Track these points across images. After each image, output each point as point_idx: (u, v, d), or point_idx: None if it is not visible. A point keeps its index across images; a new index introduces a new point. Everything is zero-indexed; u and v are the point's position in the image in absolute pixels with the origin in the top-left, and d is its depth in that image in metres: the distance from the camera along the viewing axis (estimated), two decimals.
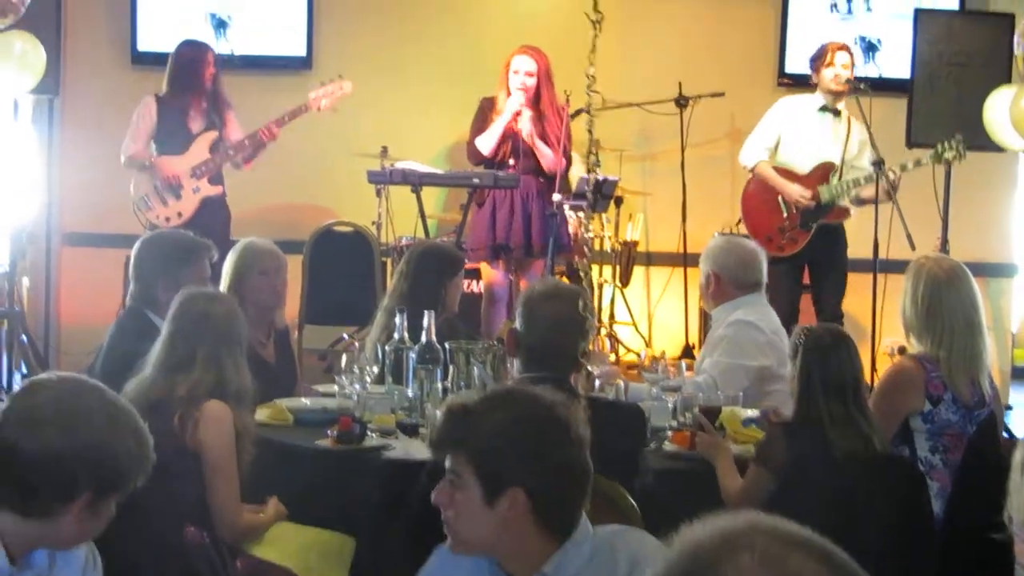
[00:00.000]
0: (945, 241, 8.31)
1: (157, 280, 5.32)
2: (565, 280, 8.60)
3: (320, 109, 8.71)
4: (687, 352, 9.93)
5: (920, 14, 8.56)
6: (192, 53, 8.68)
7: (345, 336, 9.78)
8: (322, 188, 10.39)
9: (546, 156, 8.50)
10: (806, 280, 8.59)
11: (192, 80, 8.57)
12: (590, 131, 6.77)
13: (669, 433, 4.99)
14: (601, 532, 3.02)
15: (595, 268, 9.68)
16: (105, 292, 9.84)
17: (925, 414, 4.80)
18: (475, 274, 8.96)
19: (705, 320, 9.61)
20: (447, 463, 2.98)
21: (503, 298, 8.75)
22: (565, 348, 4.36)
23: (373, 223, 9.47)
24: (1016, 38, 8.06)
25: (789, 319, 8.18)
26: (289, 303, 6.54)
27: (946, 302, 4.90)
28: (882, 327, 8.14)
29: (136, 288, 5.40)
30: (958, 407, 4.81)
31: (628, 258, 9.91)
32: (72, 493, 2.74)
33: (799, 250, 8.35)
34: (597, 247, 9.49)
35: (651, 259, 10.46)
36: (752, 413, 5.22)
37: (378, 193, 9.52)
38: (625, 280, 9.86)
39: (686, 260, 10.00)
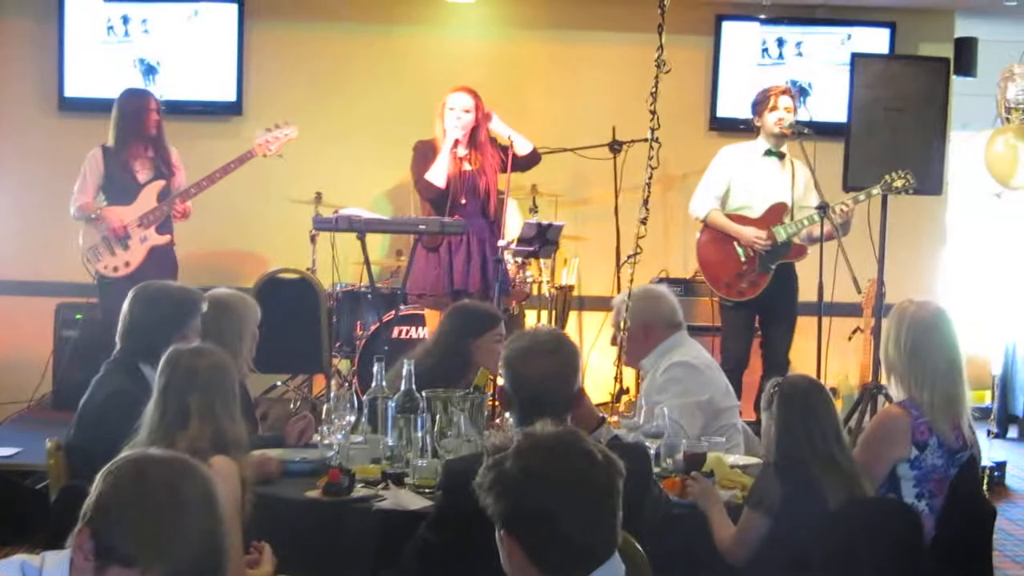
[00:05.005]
0: (881, 283, 8.36)
1: (167, 334, 5.11)
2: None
3: (266, 155, 8.68)
4: (620, 397, 9.92)
5: (856, 58, 8.62)
6: (136, 102, 8.55)
7: (278, 383, 9.71)
8: (255, 234, 10.32)
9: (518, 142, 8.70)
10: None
11: (137, 129, 8.44)
12: None
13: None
14: None
15: (531, 312, 9.70)
16: (33, 340, 9.73)
17: (912, 460, 4.82)
18: (420, 320, 8.86)
19: None
20: None
21: None
22: (557, 395, 4.26)
23: (308, 270, 9.41)
24: (999, 81, 8.19)
25: (741, 363, 8.23)
26: None
27: (929, 345, 4.92)
28: (827, 370, 8.18)
29: (130, 343, 5.26)
30: (943, 451, 4.83)
31: (564, 303, 9.92)
32: (75, 517, 2.70)
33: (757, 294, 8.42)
34: (534, 292, 9.49)
35: (584, 303, 10.46)
36: (734, 459, 5.23)
37: (312, 240, 9.47)
38: (561, 325, 9.84)
39: None
